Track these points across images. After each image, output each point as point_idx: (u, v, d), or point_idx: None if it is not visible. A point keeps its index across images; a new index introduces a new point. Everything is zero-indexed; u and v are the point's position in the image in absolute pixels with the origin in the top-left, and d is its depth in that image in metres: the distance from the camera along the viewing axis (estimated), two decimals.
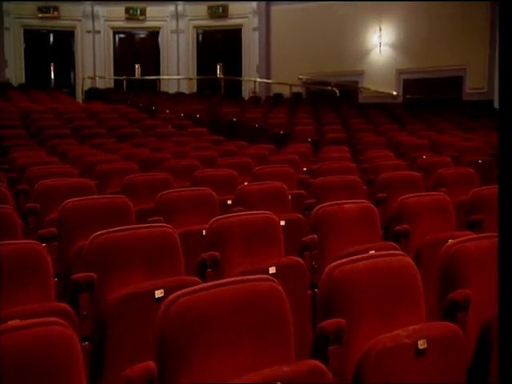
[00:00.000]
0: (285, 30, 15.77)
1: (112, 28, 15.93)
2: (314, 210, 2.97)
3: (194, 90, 15.91)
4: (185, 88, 15.86)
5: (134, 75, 15.51)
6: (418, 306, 2.01)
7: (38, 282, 2.07)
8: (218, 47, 16.20)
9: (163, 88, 15.87)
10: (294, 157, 5.79)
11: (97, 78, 15.52)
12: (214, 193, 3.52)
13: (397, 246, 3.02)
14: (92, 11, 15.71)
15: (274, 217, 2.79)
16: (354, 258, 1.93)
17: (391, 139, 8.85)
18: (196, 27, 16.07)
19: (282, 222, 3.88)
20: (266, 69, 16.03)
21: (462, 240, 2.17)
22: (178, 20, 15.90)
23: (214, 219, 2.62)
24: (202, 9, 15.85)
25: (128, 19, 15.92)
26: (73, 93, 15.64)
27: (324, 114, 11.93)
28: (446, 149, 7.53)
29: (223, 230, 2.60)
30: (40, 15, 15.58)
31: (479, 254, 2.15)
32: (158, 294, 2.16)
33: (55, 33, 16.00)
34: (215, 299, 1.56)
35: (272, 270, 2.63)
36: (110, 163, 4.81)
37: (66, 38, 15.95)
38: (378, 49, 15.52)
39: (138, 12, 15.87)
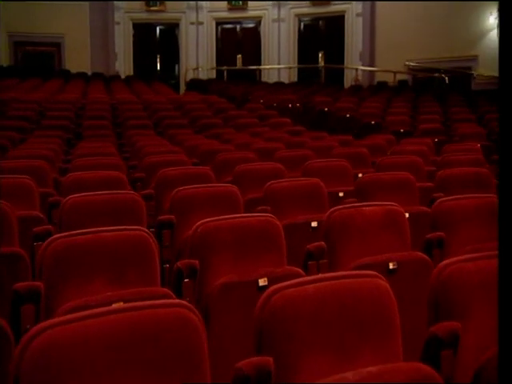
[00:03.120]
0: (390, 14, 15.02)
1: (215, 19, 16.08)
2: (327, 214, 2.64)
3: (295, 79, 15.66)
4: (285, 77, 15.65)
5: (236, 65, 15.56)
6: (390, 341, 1.65)
7: None
8: (320, 35, 15.79)
9: (264, 78, 15.78)
10: (363, 150, 5.38)
11: (199, 69, 15.76)
12: (237, 191, 3.28)
13: (426, 257, 2.61)
14: (196, 3, 15.94)
15: (275, 220, 2.50)
16: (301, 280, 1.61)
17: (493, 130, 8.07)
18: (297, 15, 15.77)
19: (314, 224, 3.57)
20: (369, 56, 15.39)
21: (461, 259, 1.76)
22: (279, 9, 15.70)
23: (201, 222, 2.39)
24: None
25: (230, 10, 15.98)
26: (178, 84, 16.02)
27: (424, 102, 11.19)
28: None
29: (209, 234, 2.36)
30: (147, 9, 16.10)
31: (481, 277, 1.74)
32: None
33: (161, 25, 16.44)
34: (96, 332, 1.32)
35: (263, 281, 2.34)
36: (160, 155, 4.74)
37: (172, 30, 16.35)
38: (494, 31, 14.31)
39: (240, 2, 15.87)
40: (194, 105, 9.56)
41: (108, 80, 14.17)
